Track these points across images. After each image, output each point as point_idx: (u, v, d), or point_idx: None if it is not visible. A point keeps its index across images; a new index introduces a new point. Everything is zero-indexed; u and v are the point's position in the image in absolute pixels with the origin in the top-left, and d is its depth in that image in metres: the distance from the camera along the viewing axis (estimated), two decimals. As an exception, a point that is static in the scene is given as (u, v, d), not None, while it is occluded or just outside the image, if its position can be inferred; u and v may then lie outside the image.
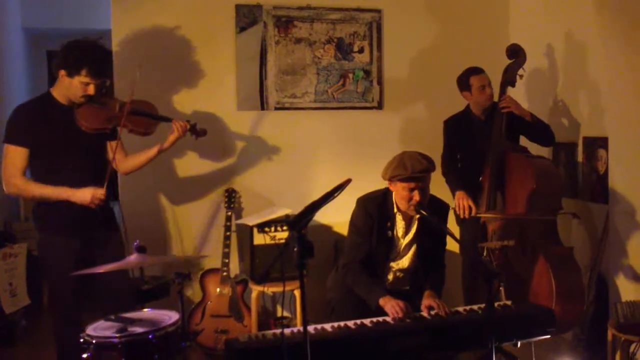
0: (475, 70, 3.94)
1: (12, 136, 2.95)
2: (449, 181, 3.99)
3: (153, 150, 3.32)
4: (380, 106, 4.59)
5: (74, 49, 2.97)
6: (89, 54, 2.98)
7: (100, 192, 2.94)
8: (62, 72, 2.97)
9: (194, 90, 4.24)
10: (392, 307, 2.82)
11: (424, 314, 2.86)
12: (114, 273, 2.80)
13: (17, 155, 2.94)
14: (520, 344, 2.88)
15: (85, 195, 2.94)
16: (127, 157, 3.33)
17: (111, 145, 3.22)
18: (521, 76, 3.88)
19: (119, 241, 3.25)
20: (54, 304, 3.17)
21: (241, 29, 4.30)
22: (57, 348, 3.11)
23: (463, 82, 3.96)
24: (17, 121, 3.00)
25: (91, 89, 2.99)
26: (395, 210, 3.12)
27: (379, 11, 4.54)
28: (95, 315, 2.72)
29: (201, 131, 3.51)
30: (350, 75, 4.52)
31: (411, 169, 2.93)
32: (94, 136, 3.08)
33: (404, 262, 3.19)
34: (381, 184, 3.21)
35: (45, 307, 5.17)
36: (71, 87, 2.99)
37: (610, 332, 3.39)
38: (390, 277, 3.21)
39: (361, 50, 4.53)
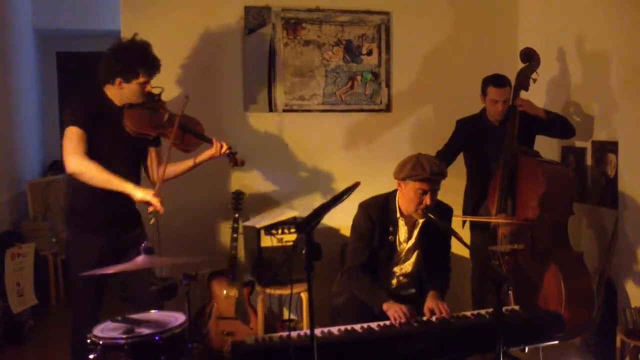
0: (496, 82, 3.85)
1: (74, 119, 2.95)
2: None
3: (188, 163, 3.33)
4: (388, 109, 4.58)
5: (125, 55, 3.02)
6: (141, 55, 3.03)
7: (159, 199, 2.91)
8: (119, 80, 3.01)
9: (202, 91, 4.25)
10: (395, 312, 2.81)
11: (431, 318, 2.85)
12: (135, 274, 2.83)
13: (79, 136, 2.93)
14: (528, 349, 2.86)
15: (146, 195, 2.90)
16: (160, 166, 3.31)
17: (153, 151, 3.27)
18: (535, 80, 3.86)
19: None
20: (75, 302, 3.20)
21: (250, 30, 4.30)
22: (71, 346, 3.13)
23: (483, 86, 3.93)
24: (78, 107, 3.02)
25: (149, 87, 3.08)
26: (398, 214, 3.11)
27: (387, 14, 4.53)
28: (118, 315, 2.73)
29: (240, 161, 3.44)
30: (359, 78, 4.52)
31: (429, 170, 2.91)
32: (137, 139, 3.10)
33: (407, 267, 3.18)
34: (390, 187, 3.20)
35: (53, 307, 5.21)
36: (130, 92, 3.04)
37: (619, 338, 3.37)
38: (394, 282, 3.19)
39: (370, 53, 4.52)
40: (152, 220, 2.91)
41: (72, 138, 2.93)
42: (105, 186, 2.91)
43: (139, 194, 2.91)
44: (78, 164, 2.90)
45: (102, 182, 2.91)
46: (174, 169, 3.32)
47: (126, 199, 3.10)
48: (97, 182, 2.91)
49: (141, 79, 3.03)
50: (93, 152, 2.98)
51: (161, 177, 3.06)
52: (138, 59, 3.01)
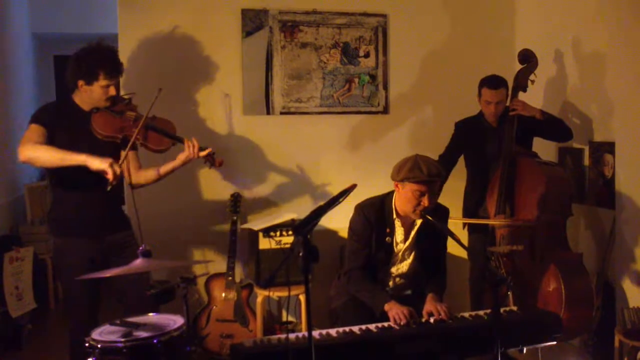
0: (490, 84, 3.85)
1: (36, 118, 3.01)
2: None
3: (162, 168, 3.29)
4: (386, 111, 4.58)
5: (85, 57, 3.03)
6: (101, 57, 3.04)
7: (117, 166, 2.88)
8: (81, 82, 3.04)
9: (200, 94, 4.25)
10: (395, 314, 2.82)
11: (430, 319, 2.85)
12: (130, 277, 2.84)
13: (36, 131, 2.96)
14: (527, 349, 2.86)
15: (102, 164, 2.86)
16: (139, 170, 3.32)
17: (130, 155, 3.22)
18: (532, 81, 3.86)
19: (135, 245, 3.23)
20: (69, 307, 3.21)
21: (247, 33, 4.31)
22: (70, 351, 3.14)
23: (478, 88, 3.93)
24: (42, 110, 3.09)
25: (112, 90, 3.07)
26: (395, 216, 3.11)
27: (384, 16, 4.54)
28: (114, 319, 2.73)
29: (218, 162, 3.31)
30: (356, 80, 4.52)
31: (427, 172, 2.90)
32: (107, 143, 3.10)
33: (404, 267, 3.18)
34: (387, 189, 3.20)
35: (52, 310, 5.21)
36: (93, 94, 3.05)
37: (617, 338, 3.37)
38: (391, 283, 3.20)
39: (367, 55, 4.53)
40: (108, 188, 2.90)
41: (27, 132, 2.96)
42: (61, 164, 2.90)
43: (95, 163, 2.87)
44: (27, 150, 2.90)
45: (56, 160, 2.90)
46: (148, 173, 3.30)
47: (111, 202, 3.11)
48: (52, 162, 2.91)
49: (102, 82, 3.02)
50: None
51: (126, 153, 3.04)
52: (98, 61, 3.01)
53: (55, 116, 3.04)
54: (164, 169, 3.29)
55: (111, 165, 2.85)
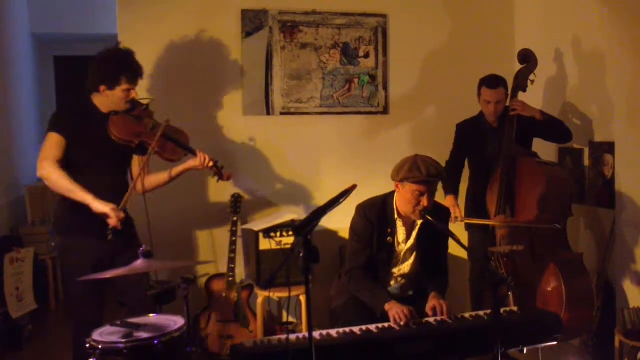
0: (489, 83, 3.85)
1: (55, 126, 3.08)
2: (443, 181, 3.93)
3: (174, 170, 3.35)
4: (385, 111, 4.59)
5: (106, 63, 3.10)
6: (121, 62, 3.10)
7: (120, 214, 2.97)
8: (103, 87, 3.09)
9: (200, 95, 4.26)
10: (396, 313, 2.82)
11: (430, 319, 2.86)
12: (131, 278, 2.85)
13: (55, 142, 3.05)
14: (527, 350, 2.86)
15: (105, 207, 2.96)
16: (149, 175, 3.36)
17: (137, 160, 3.28)
18: (532, 81, 3.86)
19: (138, 246, 3.24)
20: (73, 307, 3.22)
21: (247, 34, 4.31)
22: (73, 352, 3.14)
23: (478, 87, 3.93)
24: (61, 115, 3.16)
25: (133, 93, 3.14)
26: (396, 216, 3.11)
27: (384, 16, 4.54)
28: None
29: (226, 176, 3.40)
30: (356, 80, 4.52)
31: (426, 172, 2.91)
32: (122, 146, 3.14)
33: (405, 267, 3.19)
34: (387, 189, 3.20)
35: (52, 311, 5.21)
36: (114, 98, 3.11)
37: (617, 338, 3.38)
38: (393, 283, 3.20)
39: (367, 55, 4.53)
40: (110, 237, 2.94)
41: (47, 144, 3.04)
42: (68, 195, 3.02)
43: (98, 206, 2.96)
44: (45, 169, 3.01)
45: (64, 190, 3.01)
46: (155, 179, 3.36)
47: (116, 202, 3.13)
48: (60, 189, 3.03)
49: (124, 86, 3.08)
50: (77, 159, 3.07)
51: (130, 192, 3.08)
52: (120, 66, 3.08)
53: (72, 122, 3.09)
54: (176, 170, 3.36)
55: (114, 210, 2.95)
